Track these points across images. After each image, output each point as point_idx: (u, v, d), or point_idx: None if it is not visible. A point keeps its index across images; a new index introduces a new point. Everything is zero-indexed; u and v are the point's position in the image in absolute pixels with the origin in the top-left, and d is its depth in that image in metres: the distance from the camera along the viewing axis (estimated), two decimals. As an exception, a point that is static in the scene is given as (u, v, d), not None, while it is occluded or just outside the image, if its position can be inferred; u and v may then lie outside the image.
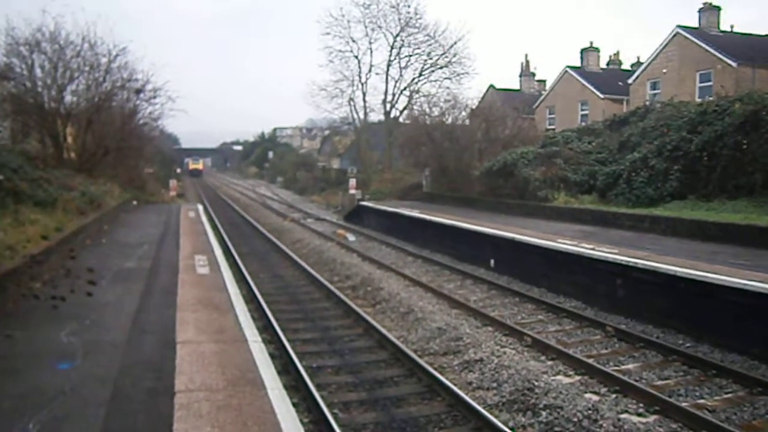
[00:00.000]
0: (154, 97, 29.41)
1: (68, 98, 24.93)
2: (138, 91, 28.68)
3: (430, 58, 41.98)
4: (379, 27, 41.93)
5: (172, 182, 39.41)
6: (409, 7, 41.62)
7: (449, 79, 41.69)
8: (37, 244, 10.88)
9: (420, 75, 42.34)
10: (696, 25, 29.91)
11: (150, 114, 31.87)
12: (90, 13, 54.78)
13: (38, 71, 23.55)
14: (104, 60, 25.68)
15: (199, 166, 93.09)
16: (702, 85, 27.14)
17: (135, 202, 27.49)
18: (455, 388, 7.89)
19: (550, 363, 9.34)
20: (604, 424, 6.94)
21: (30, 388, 5.63)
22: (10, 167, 15.06)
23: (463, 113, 32.91)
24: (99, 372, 6.08)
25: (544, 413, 7.37)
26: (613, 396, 7.97)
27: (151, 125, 34.98)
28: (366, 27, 42.11)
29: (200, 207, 29.44)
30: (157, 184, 39.19)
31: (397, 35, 41.91)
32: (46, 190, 15.58)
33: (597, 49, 37.68)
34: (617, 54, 40.75)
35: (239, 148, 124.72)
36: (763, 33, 30.99)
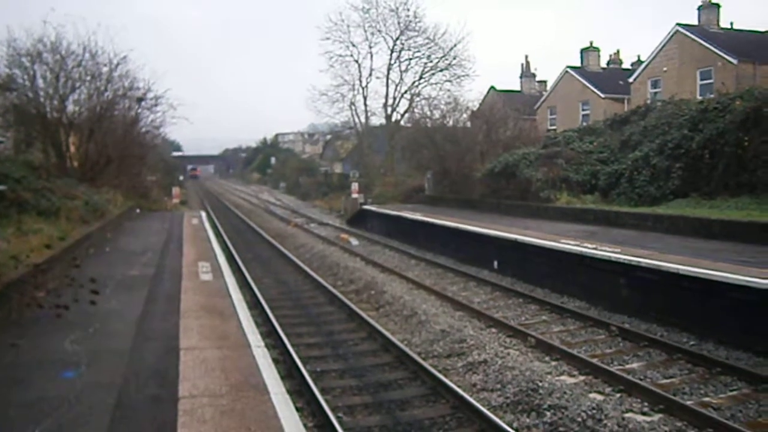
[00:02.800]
0: (156, 105, 29.52)
1: (70, 108, 25.05)
2: (139, 100, 28.78)
3: (431, 61, 42.04)
4: (379, 31, 42.00)
5: (175, 190, 39.46)
6: (408, 10, 41.69)
7: (450, 81, 41.72)
8: (41, 254, 10.91)
9: (420, 78, 42.38)
10: (695, 22, 29.88)
11: (152, 122, 31.98)
12: (91, 22, 54.81)
13: (40, 81, 23.69)
14: (105, 69, 25.81)
15: (197, 171, 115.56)
16: (703, 82, 27.10)
17: (138, 210, 27.57)
18: (459, 390, 7.89)
19: (554, 363, 9.33)
20: (609, 424, 6.94)
21: (35, 396, 5.66)
22: (14, 177, 15.13)
23: (464, 115, 32.95)
24: (103, 380, 6.11)
25: (548, 414, 7.37)
26: (618, 395, 7.96)
27: (153, 133, 35.06)
28: (366, 31, 42.19)
29: (203, 214, 29.49)
30: (160, 191, 39.23)
31: (397, 39, 41.98)
32: (49, 200, 15.64)
33: (597, 49, 37.65)
34: (617, 53, 40.71)
35: (243, 155, 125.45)
36: (763, 29, 30.92)
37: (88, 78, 25.16)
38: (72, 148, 25.40)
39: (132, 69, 28.94)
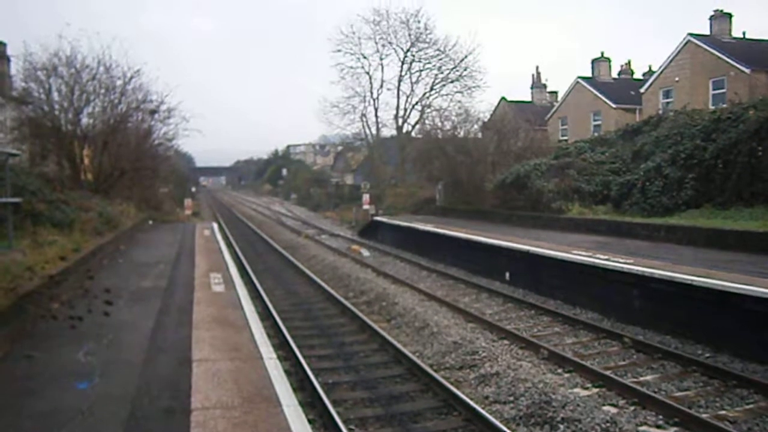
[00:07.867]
0: (169, 118, 29.85)
1: (85, 121, 25.41)
2: (152, 112, 29.11)
3: (441, 72, 42.24)
4: (390, 43, 42.32)
5: (187, 201, 39.72)
6: (419, 22, 42.01)
7: (460, 92, 41.91)
8: (55, 265, 11.03)
9: (431, 89, 42.58)
10: (707, 32, 29.79)
11: (164, 134, 32.28)
12: (105, 36, 55.89)
13: (55, 95, 24.05)
14: (119, 82, 26.16)
15: (206, 183, 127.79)
16: (715, 92, 26.96)
17: (151, 222, 27.78)
18: (472, 402, 7.84)
19: (567, 375, 9.26)
20: (623, 437, 6.86)
21: (49, 407, 5.69)
22: (29, 190, 15.33)
23: (475, 126, 33.01)
24: (116, 391, 6.13)
25: (561, 426, 7.30)
26: (632, 408, 7.88)
27: (166, 145, 35.35)
28: (376, 43, 42.58)
29: (215, 225, 29.61)
30: (172, 203, 39.52)
31: (408, 50, 42.24)
32: (63, 212, 15.82)
33: (608, 59, 37.62)
34: (628, 63, 40.68)
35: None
36: (776, 39, 30.73)
37: (102, 91, 25.54)
38: (86, 161, 25.71)
39: (145, 82, 29.36)
